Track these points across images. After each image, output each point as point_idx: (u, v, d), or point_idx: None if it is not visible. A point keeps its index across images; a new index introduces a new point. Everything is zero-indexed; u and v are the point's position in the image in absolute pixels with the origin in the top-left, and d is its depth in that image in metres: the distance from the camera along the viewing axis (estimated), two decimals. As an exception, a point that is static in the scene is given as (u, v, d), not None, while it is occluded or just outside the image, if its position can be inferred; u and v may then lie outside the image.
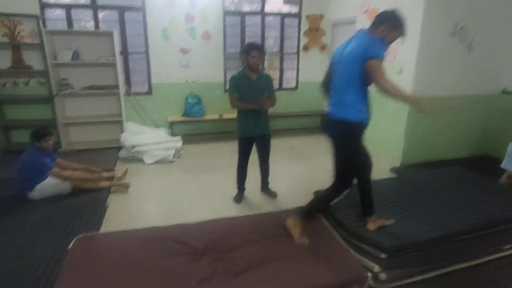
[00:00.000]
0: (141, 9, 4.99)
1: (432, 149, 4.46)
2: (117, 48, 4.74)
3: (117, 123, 4.96)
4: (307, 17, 5.82)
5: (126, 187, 3.56)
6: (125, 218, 2.99)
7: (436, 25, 3.93)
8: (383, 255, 2.12)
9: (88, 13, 4.92)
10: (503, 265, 2.30)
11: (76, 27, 4.92)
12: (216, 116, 5.53)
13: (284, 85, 6.19)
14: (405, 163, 4.33)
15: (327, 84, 2.35)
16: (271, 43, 6.06)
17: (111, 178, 3.69)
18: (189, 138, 5.41)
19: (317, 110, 6.06)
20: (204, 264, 2.08)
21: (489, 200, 2.81)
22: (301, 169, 4.29)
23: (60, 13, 4.83)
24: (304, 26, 5.87)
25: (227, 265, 2.08)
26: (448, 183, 3.23)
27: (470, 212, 2.61)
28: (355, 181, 2.38)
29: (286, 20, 5.88)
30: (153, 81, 5.30)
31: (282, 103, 5.46)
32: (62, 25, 4.81)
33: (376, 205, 2.47)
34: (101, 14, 5.02)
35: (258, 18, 5.74)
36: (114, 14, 4.99)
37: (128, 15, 5.02)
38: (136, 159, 4.49)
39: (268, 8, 5.72)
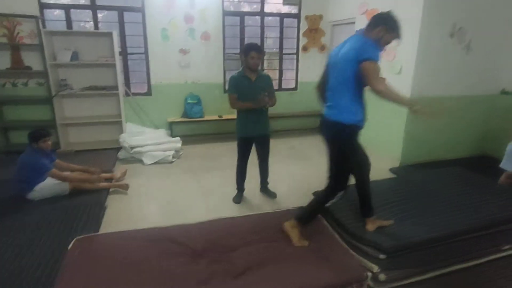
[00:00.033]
0: (141, 10, 4.99)
1: (431, 149, 4.47)
2: (117, 48, 4.74)
3: (117, 124, 4.96)
4: (306, 17, 5.83)
5: (125, 188, 3.56)
6: (124, 219, 2.99)
7: (434, 26, 3.94)
8: (382, 256, 2.12)
9: (88, 13, 4.92)
10: (502, 266, 2.31)
11: (75, 27, 4.92)
12: (215, 117, 5.53)
13: (284, 86, 6.20)
14: (404, 163, 4.33)
15: (323, 85, 2.35)
16: (271, 43, 6.07)
17: (110, 179, 3.68)
18: (189, 139, 5.41)
19: (316, 110, 5.97)
20: (203, 265, 2.08)
21: (488, 200, 2.81)
22: (301, 170, 4.29)
23: (59, 13, 4.83)
24: (304, 26, 5.87)
25: (226, 266, 2.08)
26: (447, 183, 3.23)
27: (469, 212, 2.61)
28: (352, 182, 2.38)
29: (286, 21, 5.88)
30: (153, 81, 5.30)
31: (282, 104, 5.46)
32: (62, 26, 4.81)
33: (375, 206, 2.47)
34: (100, 15, 5.03)
35: (257, 19, 5.74)
36: (114, 15, 4.99)
37: (127, 16, 5.02)
38: (135, 160, 4.49)
39: (267, 9, 5.72)
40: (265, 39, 5.86)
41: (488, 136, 4.70)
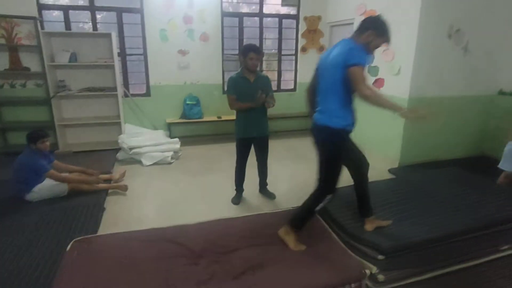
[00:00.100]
0: (139, 11, 4.99)
1: (429, 150, 4.48)
2: (115, 49, 4.74)
3: (115, 125, 4.96)
4: (305, 18, 5.84)
5: (124, 189, 3.55)
6: (123, 220, 2.98)
7: (432, 27, 3.96)
8: (380, 257, 2.12)
9: (86, 14, 4.92)
10: (501, 266, 2.30)
11: (74, 28, 4.91)
12: (214, 118, 5.53)
13: (283, 87, 6.21)
14: (403, 164, 4.34)
15: (313, 88, 2.35)
16: (269, 44, 6.08)
17: (109, 180, 3.68)
18: (188, 140, 5.41)
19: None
20: (202, 266, 2.08)
21: (487, 201, 2.81)
22: (300, 170, 4.29)
23: (57, 14, 4.83)
24: (302, 27, 5.88)
25: (225, 266, 2.07)
26: (446, 183, 3.24)
27: (468, 212, 2.62)
28: (351, 182, 2.38)
29: (284, 22, 5.89)
30: (151, 82, 5.30)
31: (281, 105, 5.46)
32: (60, 27, 4.80)
33: (374, 206, 2.47)
34: (99, 16, 5.03)
35: (256, 20, 5.75)
36: (112, 16, 4.99)
37: (126, 17, 5.02)
38: (134, 161, 4.49)
39: (266, 10, 5.73)
40: (264, 40, 5.87)
41: (486, 137, 4.72)
